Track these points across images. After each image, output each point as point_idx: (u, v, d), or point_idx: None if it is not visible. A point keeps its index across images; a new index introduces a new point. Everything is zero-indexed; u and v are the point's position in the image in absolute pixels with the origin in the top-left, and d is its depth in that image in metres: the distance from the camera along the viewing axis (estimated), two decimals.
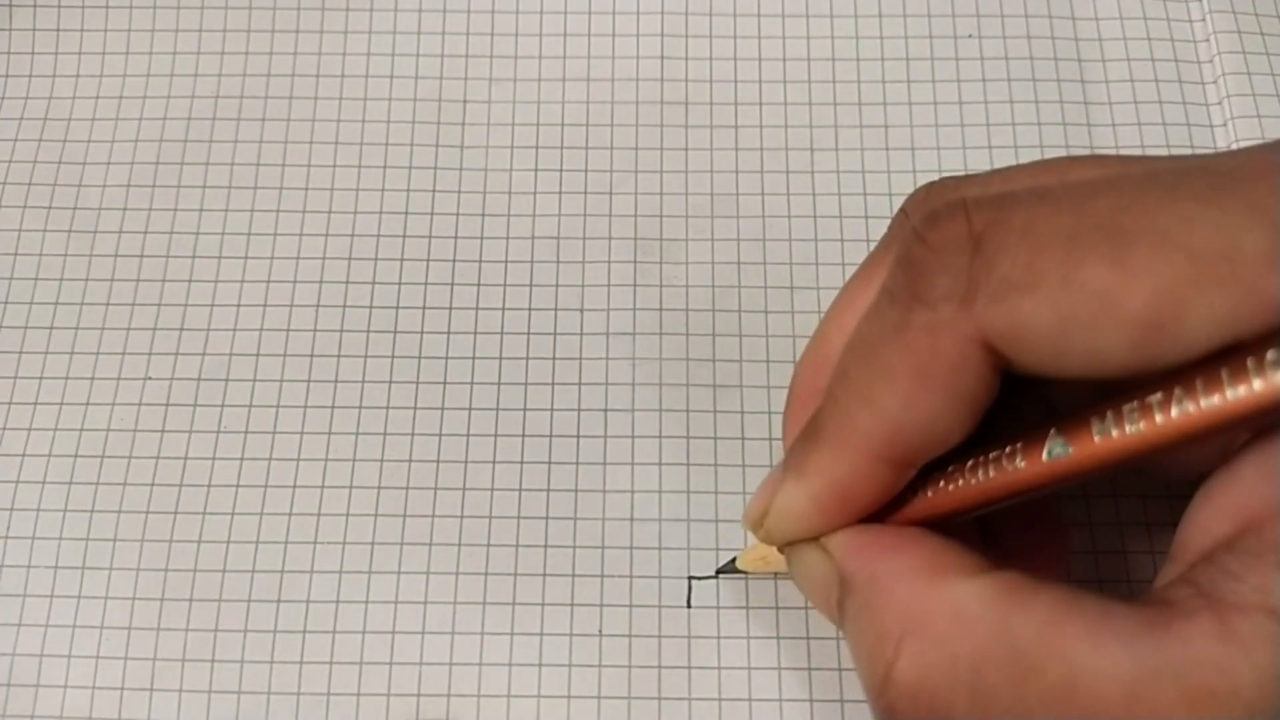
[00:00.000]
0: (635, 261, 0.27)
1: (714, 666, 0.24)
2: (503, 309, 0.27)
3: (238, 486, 0.25)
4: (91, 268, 0.27)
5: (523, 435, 0.26)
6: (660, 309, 0.27)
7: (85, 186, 0.28)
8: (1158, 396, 0.14)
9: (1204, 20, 0.29)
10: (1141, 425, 0.14)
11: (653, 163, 0.28)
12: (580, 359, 0.26)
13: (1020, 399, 0.17)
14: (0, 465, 0.26)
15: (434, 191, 0.28)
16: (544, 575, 0.24)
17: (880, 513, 0.18)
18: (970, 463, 0.17)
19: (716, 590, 0.24)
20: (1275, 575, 0.13)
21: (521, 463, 0.25)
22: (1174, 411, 0.14)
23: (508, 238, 0.27)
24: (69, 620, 0.24)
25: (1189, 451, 0.17)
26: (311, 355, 0.26)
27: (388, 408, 0.26)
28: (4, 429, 0.26)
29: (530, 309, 0.27)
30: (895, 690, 0.16)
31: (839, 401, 0.17)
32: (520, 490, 0.25)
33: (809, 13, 0.30)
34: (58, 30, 0.30)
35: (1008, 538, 0.20)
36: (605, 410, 0.26)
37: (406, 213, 0.28)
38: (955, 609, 0.15)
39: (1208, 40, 0.29)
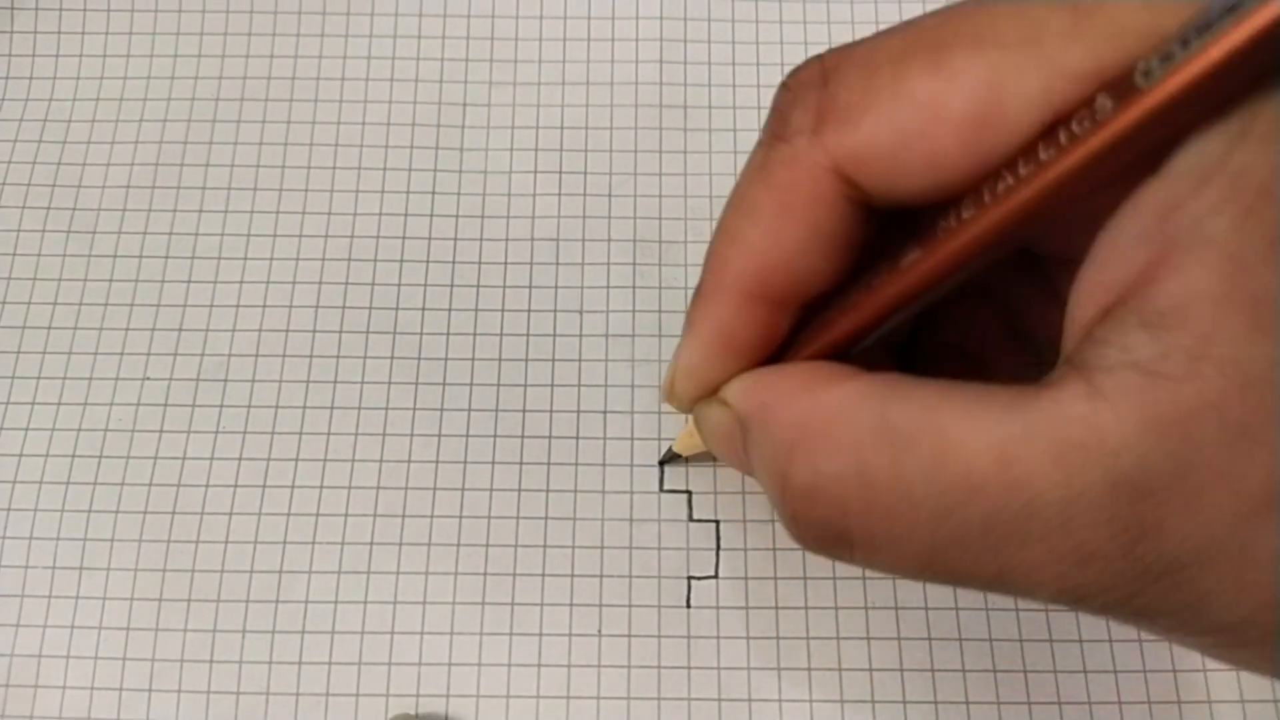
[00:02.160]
0: (634, 264, 0.27)
1: (713, 667, 0.24)
2: (502, 310, 0.27)
3: (236, 487, 0.25)
4: (90, 268, 0.27)
5: (522, 436, 0.26)
6: (659, 311, 0.27)
7: (84, 187, 0.28)
8: (988, 184, 0.15)
9: None
10: (974, 211, 0.15)
11: (651, 165, 0.28)
12: (579, 361, 0.26)
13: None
14: None
15: (433, 193, 0.28)
16: (543, 575, 0.24)
17: (774, 361, 0.19)
18: (842, 293, 0.18)
19: (716, 590, 0.24)
20: (1138, 333, 0.14)
21: (521, 463, 0.25)
22: (999, 188, 0.15)
23: (507, 239, 0.28)
24: (67, 621, 0.24)
25: (1045, 240, 0.18)
26: (310, 356, 0.27)
27: (387, 408, 0.26)
28: (1, 428, 0.26)
29: (529, 310, 0.27)
30: (793, 496, 0.16)
31: (714, 247, 0.18)
32: (519, 490, 0.25)
33: (806, 19, 0.30)
34: (59, 33, 0.30)
35: None
36: (605, 412, 0.26)
37: (406, 214, 0.28)
38: (838, 409, 0.16)
39: None
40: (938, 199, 0.16)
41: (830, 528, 0.16)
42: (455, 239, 0.28)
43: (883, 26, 0.29)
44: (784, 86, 0.17)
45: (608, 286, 0.27)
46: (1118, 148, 0.14)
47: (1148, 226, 0.14)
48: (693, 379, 0.19)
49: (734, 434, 0.18)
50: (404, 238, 0.28)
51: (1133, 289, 0.14)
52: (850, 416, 0.16)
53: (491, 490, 0.25)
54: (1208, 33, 0.13)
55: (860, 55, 0.16)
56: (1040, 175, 0.14)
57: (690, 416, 0.21)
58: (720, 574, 0.24)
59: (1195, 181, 0.14)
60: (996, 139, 0.15)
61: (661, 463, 0.25)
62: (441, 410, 0.26)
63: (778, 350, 0.19)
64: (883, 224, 0.17)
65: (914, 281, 0.16)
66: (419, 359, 0.26)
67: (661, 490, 0.25)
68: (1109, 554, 0.14)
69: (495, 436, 0.26)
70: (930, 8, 0.29)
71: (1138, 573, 0.14)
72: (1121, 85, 0.14)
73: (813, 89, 0.17)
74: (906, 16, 0.29)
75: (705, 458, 0.25)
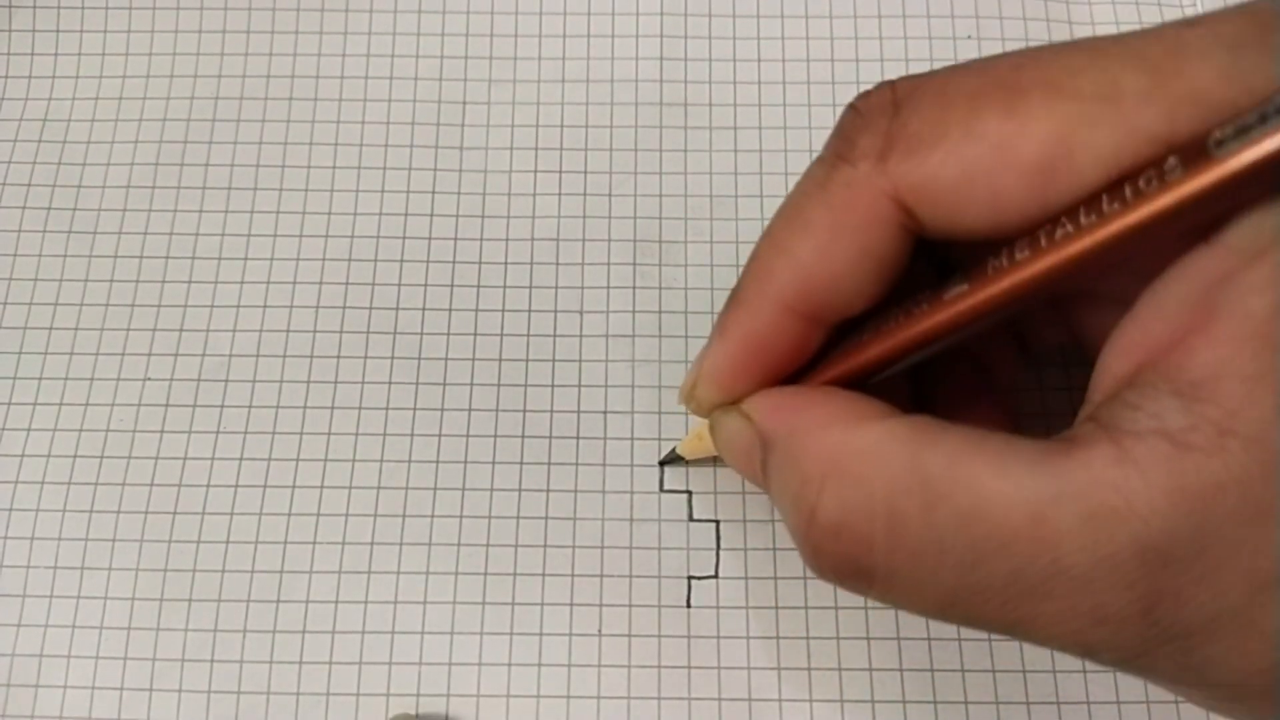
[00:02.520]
0: (634, 264, 0.27)
1: (714, 666, 0.24)
2: (502, 311, 0.27)
3: (237, 487, 0.26)
4: (91, 269, 0.28)
5: (522, 436, 0.26)
6: (659, 311, 0.27)
7: (85, 187, 0.29)
8: (1045, 228, 0.15)
9: None
10: (1028, 253, 0.15)
11: (652, 164, 0.29)
12: (580, 361, 0.27)
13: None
14: None
15: (433, 193, 0.28)
16: (543, 575, 0.25)
17: (798, 378, 0.19)
18: (881, 317, 0.18)
19: (716, 590, 0.24)
20: (1169, 401, 0.14)
21: (521, 464, 0.26)
22: (1058, 235, 0.15)
23: (507, 239, 0.28)
24: (68, 620, 0.25)
25: (1094, 289, 0.18)
26: (311, 356, 0.27)
27: (387, 408, 0.26)
28: (3, 429, 0.26)
29: (530, 311, 0.27)
30: (819, 530, 0.17)
31: (759, 256, 0.18)
32: (520, 490, 0.25)
33: (808, 13, 0.30)
34: (57, 31, 0.30)
35: (946, 412, 0.21)
36: (605, 413, 0.26)
37: (406, 214, 0.28)
38: (870, 449, 0.16)
39: None
40: (990, 239, 0.16)
41: (853, 563, 0.16)
42: (455, 239, 0.28)
43: (888, 18, 0.29)
44: (852, 109, 0.18)
45: (608, 287, 0.27)
46: (1181, 211, 0.14)
47: (1192, 293, 0.15)
48: (717, 384, 0.19)
49: (752, 449, 0.18)
50: (404, 238, 0.28)
51: (1168, 352, 0.15)
52: (883, 458, 0.16)
53: (492, 490, 0.25)
54: None
55: (935, 88, 0.17)
56: (1101, 227, 0.15)
57: (698, 422, 0.21)
58: (720, 574, 0.25)
59: (1246, 257, 0.14)
60: (1061, 188, 0.15)
61: (662, 463, 0.25)
62: (442, 410, 0.26)
63: (803, 367, 0.19)
64: (919, 253, 0.18)
65: (956, 315, 0.16)
66: (419, 359, 0.27)
67: (662, 490, 0.25)
68: (1126, 616, 0.14)
69: (495, 437, 0.26)
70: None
71: (1151, 635, 0.14)
72: (1193, 150, 0.14)
73: (883, 115, 0.17)
74: (909, 10, 0.29)
75: (706, 460, 0.25)
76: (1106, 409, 0.15)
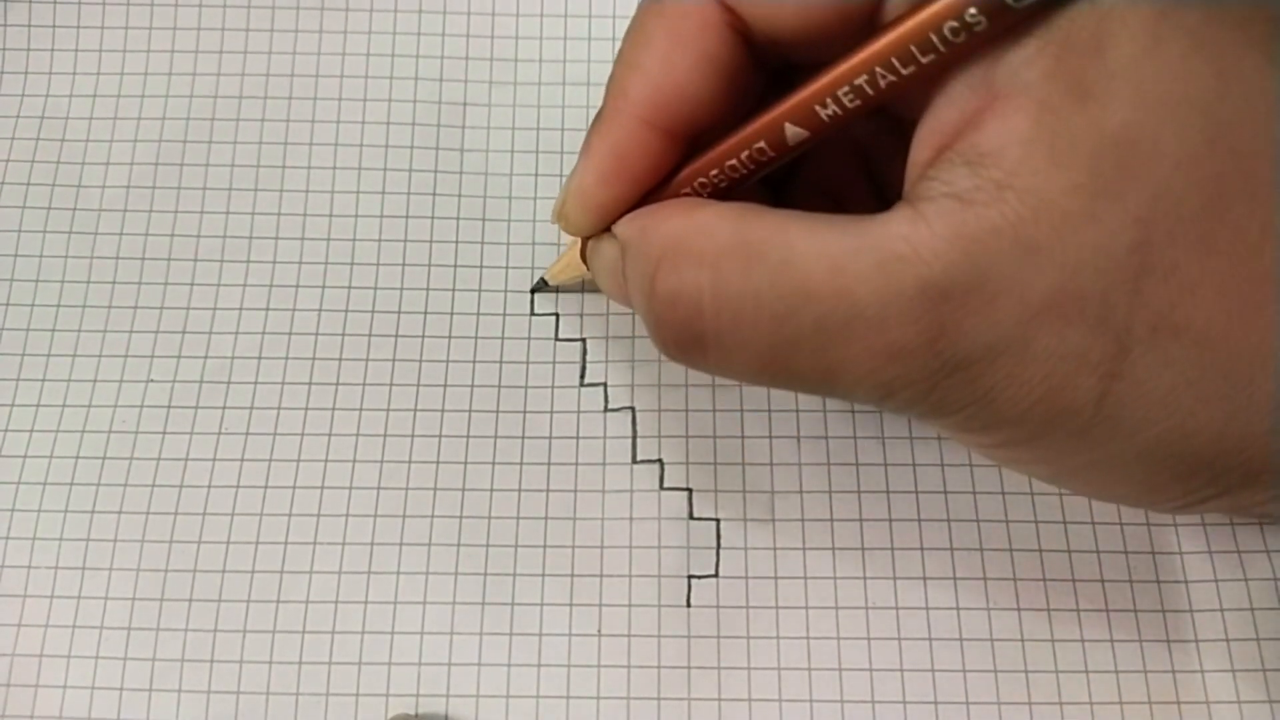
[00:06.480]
0: None
1: (713, 666, 0.25)
2: (504, 315, 0.29)
3: (238, 487, 0.27)
4: (93, 270, 0.29)
5: (522, 438, 0.27)
6: None
7: (84, 187, 0.30)
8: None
9: None
10: (826, 73, 0.18)
11: None
12: (581, 363, 0.28)
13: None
14: (1, 466, 0.27)
15: (434, 195, 0.30)
16: (543, 575, 0.26)
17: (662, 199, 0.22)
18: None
19: (716, 589, 0.26)
20: (960, 170, 0.17)
21: (521, 464, 0.27)
22: (851, 55, 0.18)
23: (508, 243, 0.29)
24: (69, 621, 0.26)
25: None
26: (313, 359, 0.28)
27: (388, 410, 0.28)
28: (6, 430, 0.28)
29: (531, 315, 0.28)
30: (658, 302, 0.19)
31: (614, 77, 0.21)
32: (519, 490, 0.27)
33: None
34: (54, 26, 0.32)
35: None
36: (604, 412, 0.27)
37: (407, 216, 0.30)
38: (702, 226, 0.19)
39: None
40: (810, 44, 0.19)
41: (687, 330, 0.19)
42: (456, 241, 0.29)
43: None
44: None
45: None
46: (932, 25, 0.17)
47: (974, 78, 0.17)
48: (583, 200, 0.21)
49: (618, 264, 0.21)
50: (405, 240, 0.29)
51: (961, 133, 0.17)
52: (712, 231, 0.19)
53: (492, 490, 0.27)
54: None
55: None
56: (883, 44, 0.17)
57: (567, 246, 0.25)
58: (720, 573, 0.26)
59: (1013, 37, 0.17)
60: None
61: (533, 290, 0.28)
62: (442, 411, 0.28)
63: (664, 182, 0.21)
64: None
65: (769, 120, 0.19)
66: (420, 361, 0.28)
67: (532, 314, 0.28)
68: (914, 349, 0.17)
69: (496, 438, 0.27)
70: None
71: (936, 366, 0.17)
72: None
73: None
74: None
75: (574, 287, 0.28)
76: (912, 189, 0.18)
